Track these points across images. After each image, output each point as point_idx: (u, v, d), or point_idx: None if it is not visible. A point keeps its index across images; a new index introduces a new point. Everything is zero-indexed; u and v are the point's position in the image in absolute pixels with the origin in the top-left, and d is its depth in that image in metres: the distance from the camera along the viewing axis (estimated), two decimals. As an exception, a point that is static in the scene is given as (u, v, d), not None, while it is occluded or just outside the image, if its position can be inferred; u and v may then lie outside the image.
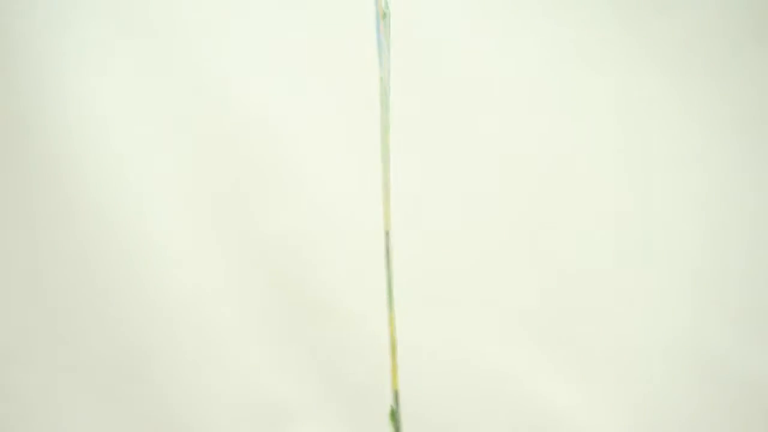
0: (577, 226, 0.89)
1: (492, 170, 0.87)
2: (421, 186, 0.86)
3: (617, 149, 0.90)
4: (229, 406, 0.83)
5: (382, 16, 0.56)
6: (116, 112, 0.82)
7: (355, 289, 0.85)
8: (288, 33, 0.85)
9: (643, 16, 0.89)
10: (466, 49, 0.86)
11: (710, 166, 0.91)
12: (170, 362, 0.82)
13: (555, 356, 0.88)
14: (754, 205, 0.91)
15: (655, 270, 0.90)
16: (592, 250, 0.90)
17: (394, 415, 0.60)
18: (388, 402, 0.60)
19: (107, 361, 0.82)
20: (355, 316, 0.86)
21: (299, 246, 0.83)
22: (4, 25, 0.81)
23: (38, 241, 0.82)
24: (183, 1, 0.84)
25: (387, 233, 0.59)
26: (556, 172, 0.89)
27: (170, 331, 0.83)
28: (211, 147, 0.84)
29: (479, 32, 0.86)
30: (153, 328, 0.82)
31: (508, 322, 0.88)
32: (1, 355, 0.81)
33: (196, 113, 0.84)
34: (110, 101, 0.82)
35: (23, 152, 0.82)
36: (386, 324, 0.61)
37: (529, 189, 0.88)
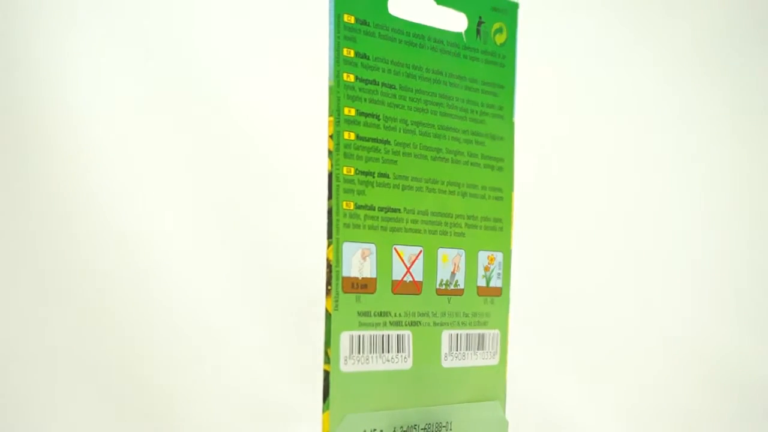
0: (573, 225, 0.89)
1: None
2: None
3: (614, 148, 0.90)
4: (230, 406, 0.83)
5: None
6: (116, 112, 0.81)
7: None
8: (291, 34, 0.84)
9: (649, 16, 0.89)
10: None
11: (710, 166, 0.91)
12: (170, 362, 0.82)
13: (555, 356, 0.88)
14: (756, 205, 0.91)
15: (655, 269, 0.90)
16: (591, 250, 0.90)
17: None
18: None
19: (107, 360, 0.81)
20: None
21: (303, 244, 0.83)
22: (4, 25, 0.80)
23: (37, 240, 0.81)
24: (183, 1, 0.83)
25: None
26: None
27: (170, 331, 0.82)
28: (213, 147, 0.84)
29: None
30: (153, 327, 0.82)
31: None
32: (0, 354, 0.81)
33: (197, 113, 0.83)
34: (110, 101, 0.81)
35: (22, 152, 0.81)
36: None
37: None
